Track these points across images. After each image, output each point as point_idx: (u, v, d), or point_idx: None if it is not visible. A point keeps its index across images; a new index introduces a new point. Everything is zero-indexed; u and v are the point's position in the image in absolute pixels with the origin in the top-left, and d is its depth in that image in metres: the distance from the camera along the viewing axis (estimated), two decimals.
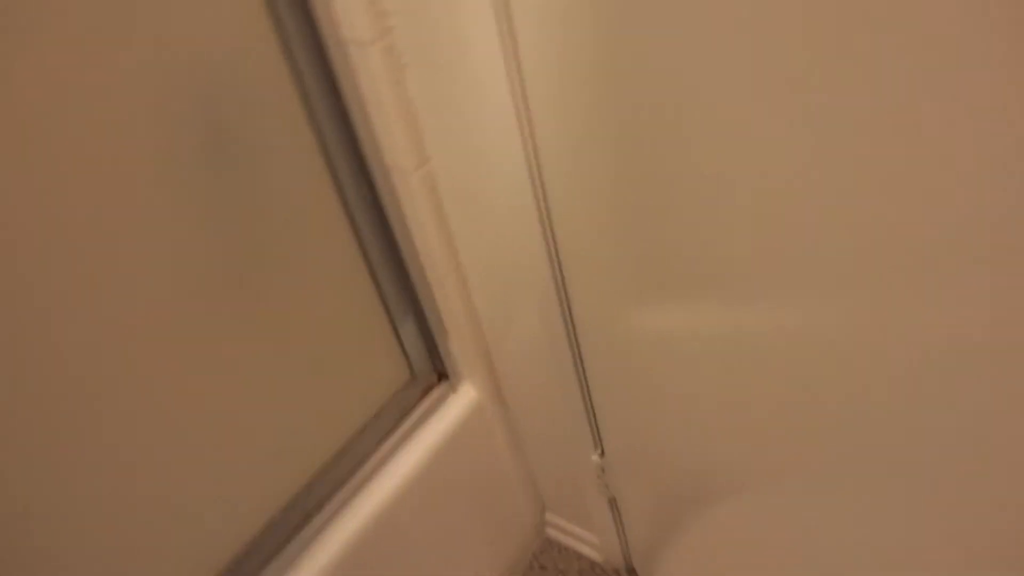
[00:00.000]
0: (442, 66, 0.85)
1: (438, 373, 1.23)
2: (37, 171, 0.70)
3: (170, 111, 0.78)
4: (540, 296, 1.02)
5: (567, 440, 1.23)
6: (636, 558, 1.47)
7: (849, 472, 0.92)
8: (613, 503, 1.33)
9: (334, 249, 1.01)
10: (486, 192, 0.95)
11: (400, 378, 1.18)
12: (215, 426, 0.92)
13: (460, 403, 1.24)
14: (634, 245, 0.89)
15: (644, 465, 1.20)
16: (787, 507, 1.07)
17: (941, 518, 0.86)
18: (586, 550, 1.55)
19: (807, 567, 1.11)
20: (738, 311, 0.86)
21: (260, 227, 0.90)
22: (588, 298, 1.00)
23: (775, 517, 1.11)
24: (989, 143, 0.58)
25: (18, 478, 0.76)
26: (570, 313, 1.03)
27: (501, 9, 0.76)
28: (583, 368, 1.10)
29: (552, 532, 1.59)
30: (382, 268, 1.07)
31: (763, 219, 0.74)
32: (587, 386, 1.13)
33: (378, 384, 1.15)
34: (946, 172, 0.61)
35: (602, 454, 1.21)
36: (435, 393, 1.22)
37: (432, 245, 1.03)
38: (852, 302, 0.75)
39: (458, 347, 1.18)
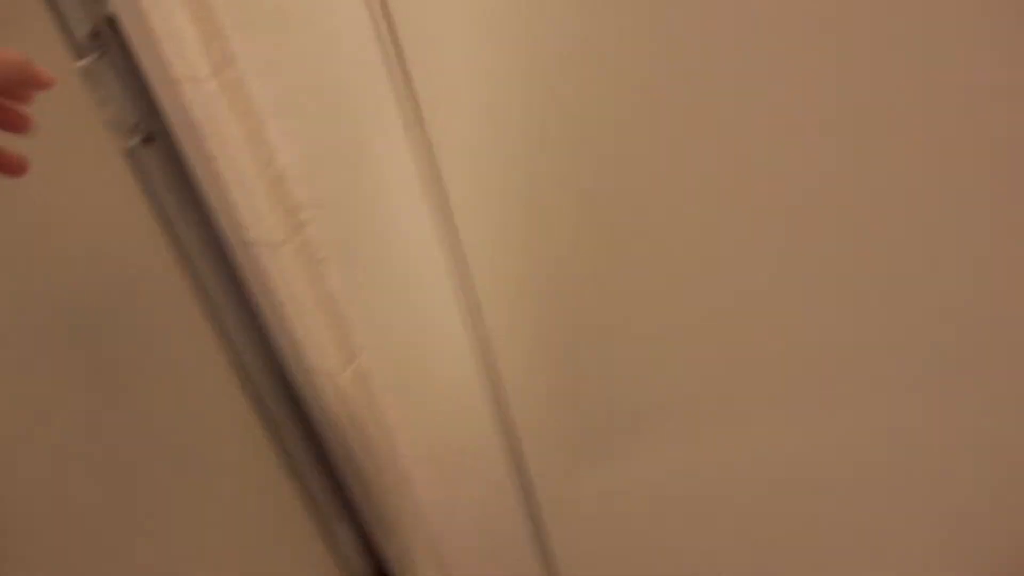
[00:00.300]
0: (366, 255, 0.76)
1: (379, 573, 1.09)
2: None
3: (44, 348, 0.64)
4: (495, 478, 0.92)
5: None
6: None
7: None
8: None
9: (251, 460, 0.88)
10: (427, 378, 0.85)
11: None
12: None
13: None
14: (594, 404, 0.82)
15: None
16: None
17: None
18: None
19: None
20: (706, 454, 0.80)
21: (159, 448, 0.76)
22: (549, 471, 0.90)
23: None
24: None
25: None
26: (530, 492, 0.93)
27: (432, 189, 0.68)
28: (549, 550, 1.00)
29: None
30: (311, 471, 0.93)
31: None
32: (556, 571, 1.03)
33: None
34: None
35: None
36: None
37: (369, 443, 0.91)
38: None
39: (402, 544, 1.05)
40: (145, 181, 0.71)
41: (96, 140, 0.67)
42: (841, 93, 0.52)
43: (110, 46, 0.65)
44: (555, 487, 0.92)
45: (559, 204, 0.67)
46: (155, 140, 0.69)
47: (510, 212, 0.69)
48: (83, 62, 0.64)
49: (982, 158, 0.52)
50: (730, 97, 0.55)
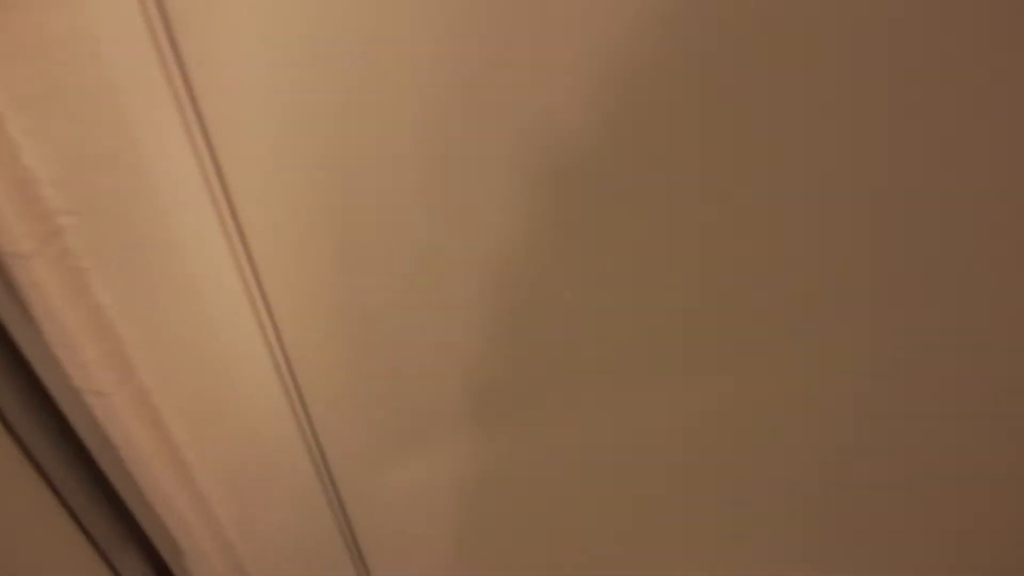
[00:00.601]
0: (139, 263, 0.68)
1: None
2: None
3: None
4: (299, 487, 0.87)
5: None
6: None
7: None
8: None
9: (11, 495, 0.77)
10: (218, 391, 0.78)
11: None
12: None
13: None
14: (394, 404, 0.79)
15: None
16: None
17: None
18: None
19: None
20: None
21: None
22: (354, 474, 0.87)
23: None
24: None
25: None
26: (337, 497, 0.89)
27: (213, 186, 0.62)
28: (359, 554, 0.97)
29: None
30: (85, 502, 0.84)
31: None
32: (364, 564, 0.99)
33: None
34: None
35: None
36: None
37: (152, 466, 0.83)
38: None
39: (200, 566, 0.97)
40: None
41: None
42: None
43: None
44: (362, 489, 0.89)
45: (349, 202, 0.63)
46: None
47: (298, 208, 0.64)
48: None
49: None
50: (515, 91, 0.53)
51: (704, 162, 0.56)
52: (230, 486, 0.90)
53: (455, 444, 0.80)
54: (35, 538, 0.81)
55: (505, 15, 0.51)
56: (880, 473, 0.72)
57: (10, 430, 0.74)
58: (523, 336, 0.68)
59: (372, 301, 0.70)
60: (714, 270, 0.62)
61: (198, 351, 0.75)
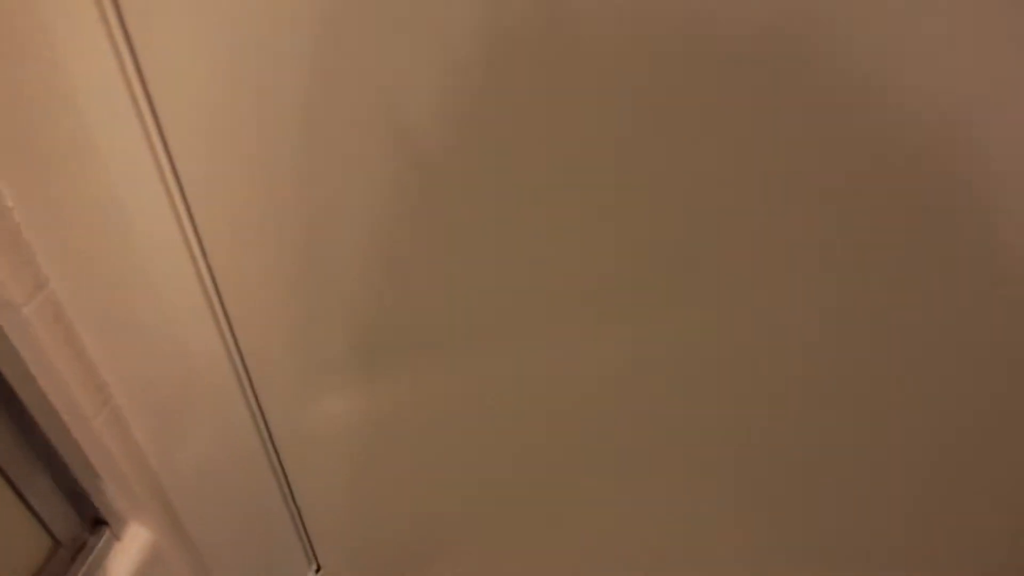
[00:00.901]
0: (49, 161, 0.63)
1: (92, 521, 0.97)
2: None
3: None
4: (222, 403, 0.84)
5: (274, 565, 1.05)
6: None
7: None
8: None
9: None
10: (140, 310, 0.74)
11: (39, 552, 0.90)
12: None
13: (130, 551, 0.98)
14: (323, 337, 0.76)
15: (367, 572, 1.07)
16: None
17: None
18: None
19: None
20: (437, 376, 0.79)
21: None
22: (280, 393, 0.84)
23: None
24: None
25: None
26: (262, 414, 0.86)
27: (136, 89, 0.57)
28: (284, 474, 0.94)
29: None
30: None
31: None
32: (292, 494, 0.97)
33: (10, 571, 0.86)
34: None
35: (318, 569, 1.05)
36: (92, 551, 0.96)
37: (65, 383, 0.78)
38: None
39: (117, 488, 0.93)
40: None
41: None
42: None
43: None
44: (288, 420, 0.87)
45: (268, 130, 0.59)
46: None
47: (220, 116, 0.60)
48: None
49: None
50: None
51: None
52: (151, 407, 0.86)
53: (371, 379, 0.78)
54: None
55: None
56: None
57: None
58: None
59: (289, 224, 0.66)
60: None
61: (117, 262, 0.70)
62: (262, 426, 0.87)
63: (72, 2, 0.52)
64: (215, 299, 0.71)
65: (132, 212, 0.65)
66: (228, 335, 0.74)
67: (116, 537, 0.98)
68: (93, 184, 0.63)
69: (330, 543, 1.02)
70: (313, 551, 1.03)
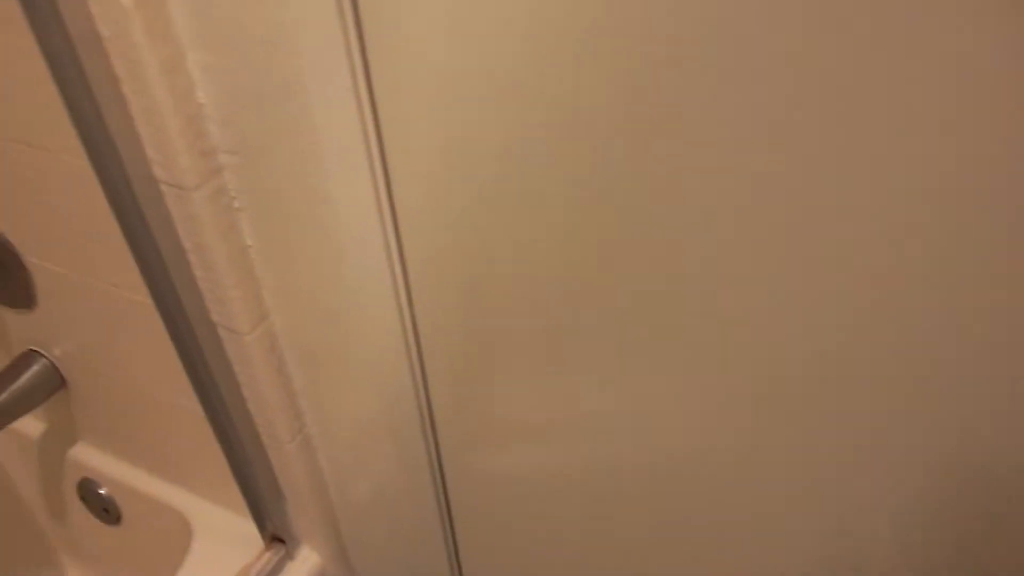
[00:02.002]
0: (288, 211, 0.69)
1: (271, 537, 1.03)
2: None
3: None
4: (403, 441, 0.87)
5: None
6: None
7: None
8: None
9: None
10: (342, 348, 0.79)
11: None
12: None
13: (301, 571, 1.04)
14: (508, 396, 0.77)
15: None
16: None
17: None
18: None
19: None
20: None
21: None
22: (459, 438, 0.86)
23: None
24: None
25: None
26: (438, 456, 0.89)
27: (372, 152, 0.61)
28: (449, 514, 0.96)
29: None
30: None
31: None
32: (453, 535, 0.99)
33: None
34: None
35: None
36: (269, 564, 1.02)
37: (270, 408, 0.84)
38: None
39: (297, 510, 0.99)
40: None
41: None
42: None
43: None
44: (462, 465, 0.88)
45: (501, 187, 0.61)
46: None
47: (451, 188, 0.63)
48: None
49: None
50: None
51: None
52: (338, 439, 0.91)
53: (550, 438, 0.78)
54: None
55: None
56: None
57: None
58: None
59: (493, 289, 0.68)
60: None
61: (331, 303, 0.75)
62: (436, 467, 0.89)
63: (328, 72, 0.57)
64: (413, 346, 0.74)
65: (350, 259, 0.69)
66: (420, 379, 0.78)
67: (290, 556, 1.04)
68: (321, 230, 0.68)
69: None
70: None
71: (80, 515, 1.24)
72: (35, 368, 1.03)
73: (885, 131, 0.46)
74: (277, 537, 1.04)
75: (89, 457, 1.16)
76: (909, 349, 0.55)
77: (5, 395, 1.00)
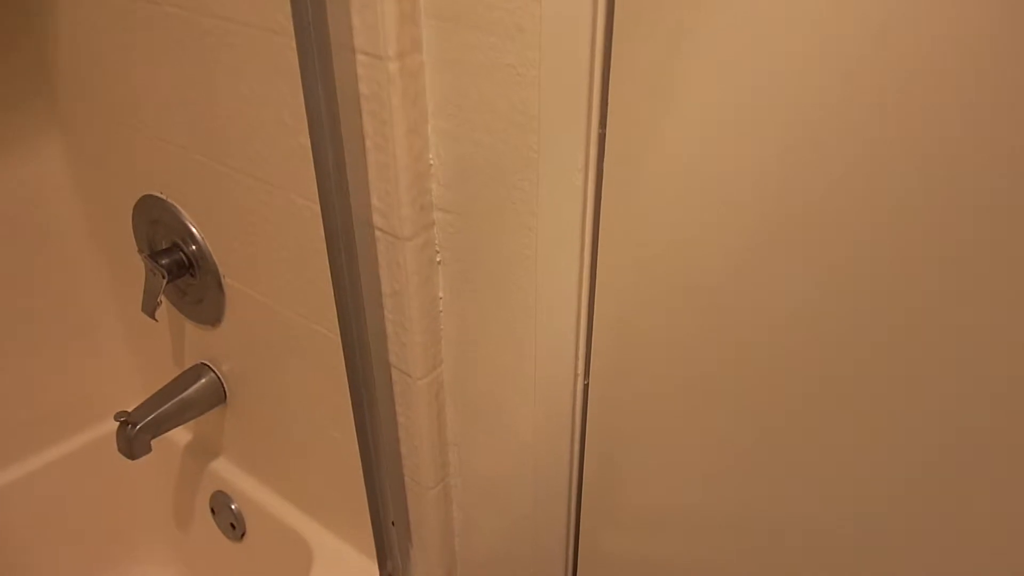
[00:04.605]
0: (482, 272, 0.73)
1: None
2: None
3: None
4: (542, 511, 0.88)
5: None
6: None
7: None
8: None
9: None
10: (505, 404, 0.81)
11: None
12: None
13: None
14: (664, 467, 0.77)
15: None
16: None
17: None
18: None
19: None
20: None
21: None
22: (602, 524, 0.86)
23: None
24: None
25: None
26: (575, 535, 0.89)
27: (581, 242, 0.64)
28: None
29: None
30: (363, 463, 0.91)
31: None
32: None
33: None
34: None
35: None
36: None
37: (421, 452, 0.88)
38: None
39: (421, 556, 1.01)
40: None
41: None
42: None
43: None
44: (599, 548, 0.88)
45: (711, 301, 0.63)
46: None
47: (659, 288, 0.65)
48: None
49: None
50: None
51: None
52: (475, 494, 0.94)
53: (690, 538, 0.78)
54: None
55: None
56: None
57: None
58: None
59: (680, 383, 0.70)
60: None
61: (506, 362, 0.78)
62: (571, 540, 0.90)
63: (561, 157, 0.62)
64: (579, 417, 0.77)
65: (536, 323, 0.72)
66: (577, 450, 0.79)
67: None
68: (514, 294, 0.72)
69: None
70: None
71: (206, 526, 1.30)
72: (203, 381, 1.10)
73: None
74: None
75: (227, 472, 1.22)
76: None
77: (173, 403, 1.08)
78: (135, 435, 1.06)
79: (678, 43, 0.53)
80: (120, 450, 1.07)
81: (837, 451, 0.63)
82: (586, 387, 0.74)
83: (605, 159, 0.60)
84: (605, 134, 0.59)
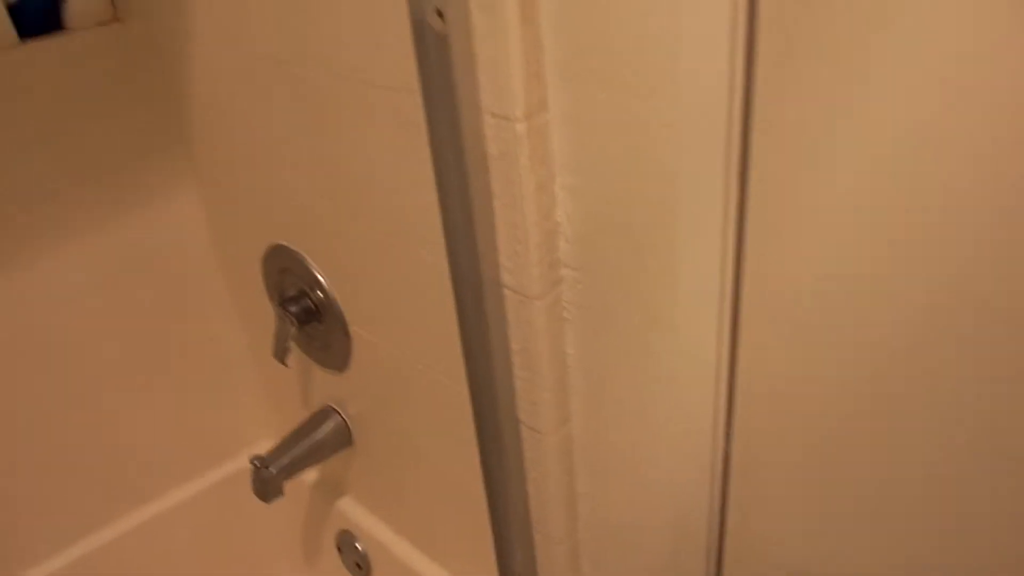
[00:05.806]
0: (610, 330, 0.70)
1: None
2: None
3: None
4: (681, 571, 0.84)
5: None
6: None
7: None
8: None
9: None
10: (637, 462, 0.78)
11: None
12: None
13: None
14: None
15: None
16: None
17: None
18: None
19: None
20: None
21: None
22: None
23: None
24: None
25: None
26: None
27: (727, 296, 0.60)
28: None
29: None
30: (494, 515, 0.89)
31: None
32: None
33: None
34: None
35: None
36: None
37: (551, 506, 0.85)
38: None
39: None
40: None
41: None
42: None
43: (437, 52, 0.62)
44: None
45: (865, 368, 0.58)
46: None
47: (807, 355, 0.60)
48: None
49: None
50: None
51: None
52: (602, 549, 0.90)
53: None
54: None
55: None
56: None
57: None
58: None
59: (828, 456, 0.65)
60: None
61: (639, 421, 0.75)
62: None
63: (698, 210, 0.59)
64: (719, 484, 0.72)
65: (673, 383, 0.69)
66: (716, 519, 0.75)
67: None
68: (649, 352, 0.69)
69: None
70: None
71: (332, 564, 1.32)
72: (330, 424, 1.12)
73: None
74: None
75: (354, 512, 1.23)
76: None
77: (303, 446, 1.10)
78: (270, 479, 1.08)
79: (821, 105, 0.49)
80: (255, 493, 1.10)
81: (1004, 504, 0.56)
82: (727, 454, 0.70)
83: (747, 217, 0.56)
84: (746, 193, 0.56)
